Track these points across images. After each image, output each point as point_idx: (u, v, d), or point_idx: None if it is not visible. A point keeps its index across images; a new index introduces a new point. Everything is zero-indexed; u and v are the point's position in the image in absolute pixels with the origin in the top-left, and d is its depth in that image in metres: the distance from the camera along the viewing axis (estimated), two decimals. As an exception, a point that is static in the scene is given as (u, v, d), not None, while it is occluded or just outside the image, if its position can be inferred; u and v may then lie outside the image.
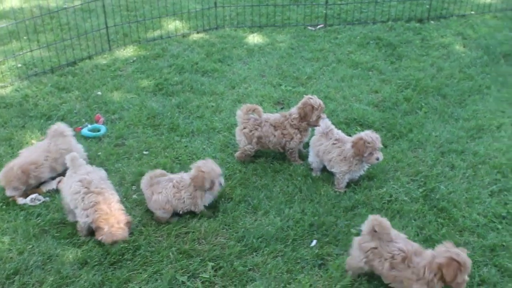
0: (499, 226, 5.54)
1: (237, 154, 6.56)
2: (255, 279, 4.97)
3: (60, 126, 6.32)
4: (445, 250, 4.42)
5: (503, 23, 10.44)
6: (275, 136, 6.40)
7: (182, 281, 4.94)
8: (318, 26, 10.40)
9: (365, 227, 4.73)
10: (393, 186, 6.11)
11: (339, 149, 6.03)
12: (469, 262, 4.33)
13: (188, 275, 5.02)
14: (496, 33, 10.00)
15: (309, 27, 10.38)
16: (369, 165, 6.10)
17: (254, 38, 9.90)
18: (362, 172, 6.13)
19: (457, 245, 5.17)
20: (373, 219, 4.64)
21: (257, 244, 5.32)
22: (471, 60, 9.00)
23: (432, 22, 10.50)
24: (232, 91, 8.16)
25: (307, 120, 6.30)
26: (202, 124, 7.27)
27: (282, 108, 7.57)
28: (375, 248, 4.65)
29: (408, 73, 8.59)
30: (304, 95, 6.42)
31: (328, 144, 6.11)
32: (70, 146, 6.21)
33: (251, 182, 6.20)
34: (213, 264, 5.11)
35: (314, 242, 5.38)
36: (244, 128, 6.40)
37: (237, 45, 9.63)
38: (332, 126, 6.26)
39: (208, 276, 4.99)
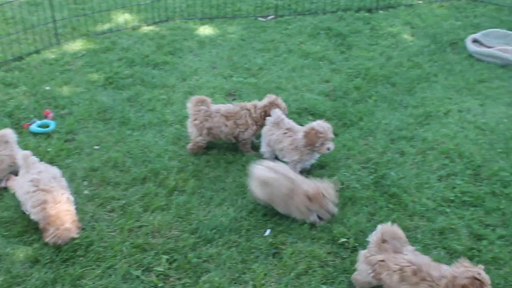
0: (448, 210, 5.68)
1: (189, 146, 6.54)
2: (210, 270, 4.98)
3: (5, 132, 6.06)
4: (465, 269, 4.20)
5: (450, 12, 10.65)
6: (227, 126, 6.40)
7: (137, 276, 4.91)
8: (269, 17, 10.42)
9: (372, 238, 4.64)
10: (345, 173, 6.19)
11: (290, 138, 6.07)
12: (488, 280, 4.16)
13: (143, 269, 4.99)
14: (442, 22, 10.19)
15: (260, 18, 10.38)
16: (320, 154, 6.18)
17: (205, 30, 9.84)
18: (313, 161, 6.20)
19: (407, 229, 5.34)
20: (382, 228, 4.56)
21: (211, 235, 5.32)
22: (419, 48, 9.17)
23: (381, 11, 10.64)
24: (183, 83, 8.11)
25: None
26: (153, 117, 7.20)
27: (234, 99, 7.57)
28: (382, 261, 4.49)
29: (358, 62, 8.69)
30: (268, 95, 6.59)
31: (279, 134, 6.14)
32: (13, 152, 5.95)
33: (204, 173, 6.19)
34: (167, 257, 5.09)
35: (268, 231, 5.41)
36: (195, 119, 6.38)
37: (188, 37, 9.56)
38: (283, 116, 6.29)
39: (162, 269, 4.98)
